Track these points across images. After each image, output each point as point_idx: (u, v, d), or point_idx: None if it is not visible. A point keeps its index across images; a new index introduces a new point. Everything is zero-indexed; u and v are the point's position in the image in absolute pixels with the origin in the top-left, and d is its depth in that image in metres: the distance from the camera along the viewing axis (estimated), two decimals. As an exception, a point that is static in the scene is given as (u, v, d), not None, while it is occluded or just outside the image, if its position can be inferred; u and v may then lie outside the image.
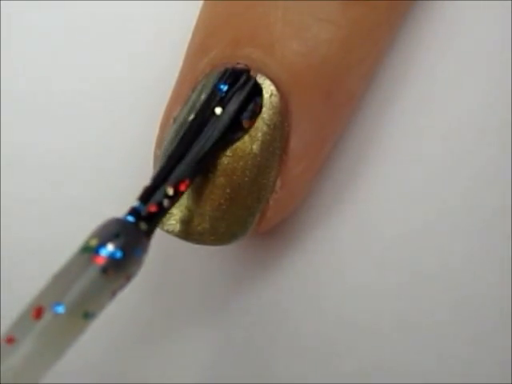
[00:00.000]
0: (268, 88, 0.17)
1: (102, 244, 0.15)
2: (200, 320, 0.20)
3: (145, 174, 0.17)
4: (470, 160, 0.20)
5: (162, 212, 0.16)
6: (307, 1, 0.18)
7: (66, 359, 0.16)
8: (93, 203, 0.21)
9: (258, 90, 0.17)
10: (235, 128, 0.17)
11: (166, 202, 0.16)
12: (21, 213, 0.21)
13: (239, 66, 0.17)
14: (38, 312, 0.14)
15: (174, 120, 0.18)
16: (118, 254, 0.15)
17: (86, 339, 0.15)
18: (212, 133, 0.17)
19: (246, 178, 0.17)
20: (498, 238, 0.20)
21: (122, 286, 0.15)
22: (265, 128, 0.17)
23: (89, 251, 0.15)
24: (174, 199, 0.16)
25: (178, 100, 0.18)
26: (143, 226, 0.16)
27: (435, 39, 0.21)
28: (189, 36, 0.20)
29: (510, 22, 0.21)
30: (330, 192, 0.20)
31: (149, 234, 0.16)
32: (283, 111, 0.17)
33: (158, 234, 0.17)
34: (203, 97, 0.17)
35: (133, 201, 0.18)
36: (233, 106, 0.17)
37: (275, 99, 0.17)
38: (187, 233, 0.18)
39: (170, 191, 0.16)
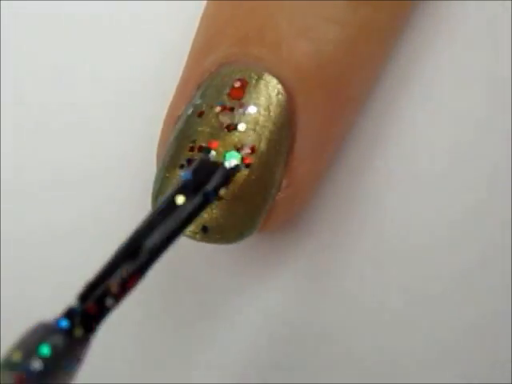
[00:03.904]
0: (275, 86, 0.17)
1: (25, 360, 0.13)
2: (201, 320, 0.20)
3: (147, 176, 0.18)
4: (476, 163, 0.20)
5: (103, 313, 0.14)
6: (313, 1, 0.18)
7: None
8: (93, 207, 0.21)
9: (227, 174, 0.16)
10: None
11: (109, 302, 0.14)
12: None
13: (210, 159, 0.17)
14: None
15: (178, 118, 0.18)
16: (42, 370, 0.13)
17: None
18: (171, 224, 0.15)
19: (253, 177, 0.17)
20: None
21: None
22: (272, 127, 0.17)
23: (10, 368, 0.13)
24: (119, 297, 0.14)
25: (182, 98, 0.18)
26: (78, 331, 0.13)
27: (438, 40, 0.21)
28: (189, 35, 0.19)
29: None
30: (331, 193, 0.21)
31: (86, 339, 0.14)
32: (290, 110, 0.17)
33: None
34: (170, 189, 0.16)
35: (132, 203, 0.19)
36: (197, 198, 0.15)
37: (282, 98, 0.17)
38: (194, 232, 0.17)
39: (114, 288, 0.14)
